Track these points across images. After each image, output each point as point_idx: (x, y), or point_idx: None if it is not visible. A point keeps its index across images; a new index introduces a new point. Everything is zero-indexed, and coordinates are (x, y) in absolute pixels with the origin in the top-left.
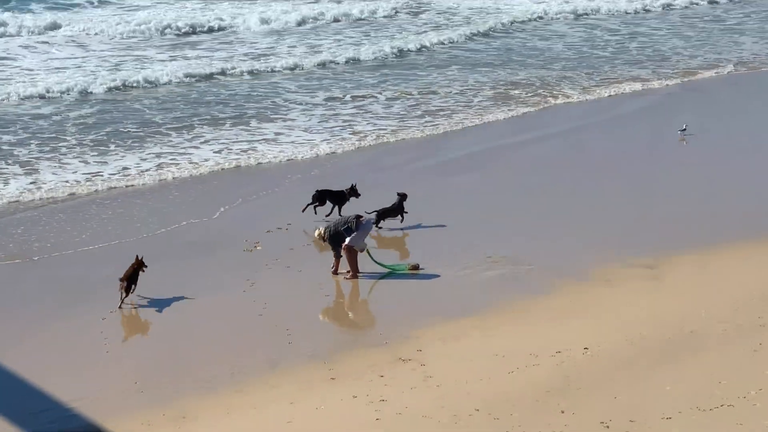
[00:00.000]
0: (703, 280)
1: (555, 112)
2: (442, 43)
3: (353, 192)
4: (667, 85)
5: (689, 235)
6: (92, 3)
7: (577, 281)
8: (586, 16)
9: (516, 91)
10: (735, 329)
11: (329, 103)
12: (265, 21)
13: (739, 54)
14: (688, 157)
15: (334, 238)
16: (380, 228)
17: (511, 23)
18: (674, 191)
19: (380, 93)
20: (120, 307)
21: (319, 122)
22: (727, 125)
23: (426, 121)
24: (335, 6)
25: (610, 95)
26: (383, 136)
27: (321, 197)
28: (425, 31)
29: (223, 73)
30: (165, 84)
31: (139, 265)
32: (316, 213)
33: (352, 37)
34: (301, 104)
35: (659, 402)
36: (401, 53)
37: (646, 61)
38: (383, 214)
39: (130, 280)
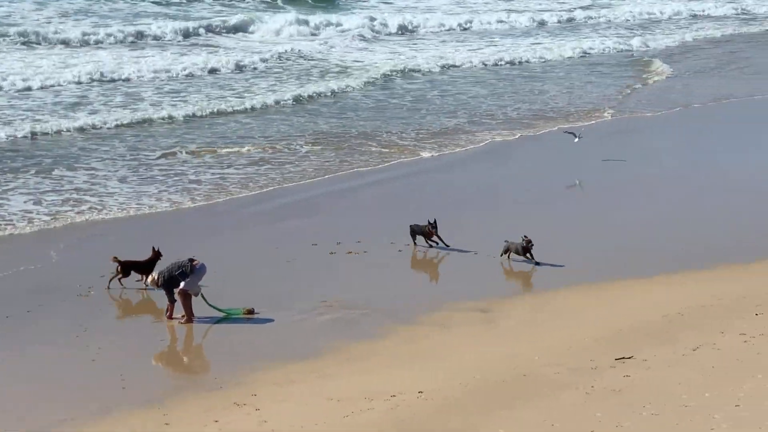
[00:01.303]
0: (536, 323)
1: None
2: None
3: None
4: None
5: (522, 279)
6: None
7: (412, 325)
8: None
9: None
10: (568, 372)
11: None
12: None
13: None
14: (525, 202)
15: (168, 282)
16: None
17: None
18: (506, 236)
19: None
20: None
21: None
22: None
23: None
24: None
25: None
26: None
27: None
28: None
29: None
30: None
31: (156, 256)
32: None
33: None
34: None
35: None
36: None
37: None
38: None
39: (134, 266)
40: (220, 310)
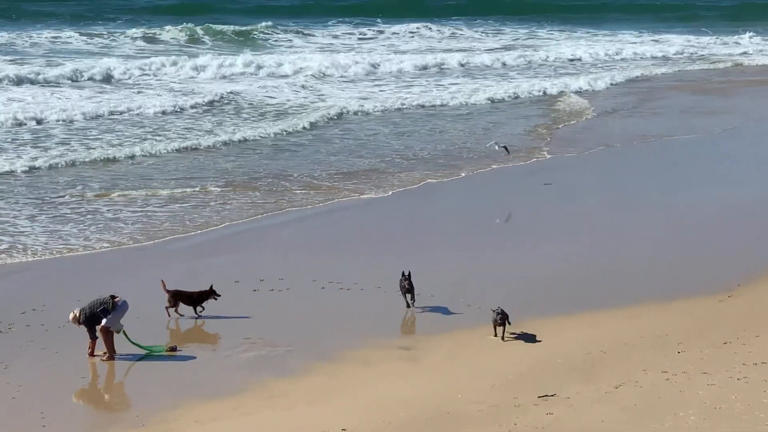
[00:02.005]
0: (458, 360)
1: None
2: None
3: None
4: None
5: (443, 316)
6: None
7: (336, 362)
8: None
9: (286, 183)
10: (491, 409)
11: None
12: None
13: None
14: (448, 239)
15: (90, 319)
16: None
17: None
18: (428, 276)
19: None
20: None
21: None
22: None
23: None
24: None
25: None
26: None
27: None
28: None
29: None
30: None
31: (210, 293)
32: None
33: None
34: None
35: None
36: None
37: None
38: None
39: (186, 297)
40: (142, 347)
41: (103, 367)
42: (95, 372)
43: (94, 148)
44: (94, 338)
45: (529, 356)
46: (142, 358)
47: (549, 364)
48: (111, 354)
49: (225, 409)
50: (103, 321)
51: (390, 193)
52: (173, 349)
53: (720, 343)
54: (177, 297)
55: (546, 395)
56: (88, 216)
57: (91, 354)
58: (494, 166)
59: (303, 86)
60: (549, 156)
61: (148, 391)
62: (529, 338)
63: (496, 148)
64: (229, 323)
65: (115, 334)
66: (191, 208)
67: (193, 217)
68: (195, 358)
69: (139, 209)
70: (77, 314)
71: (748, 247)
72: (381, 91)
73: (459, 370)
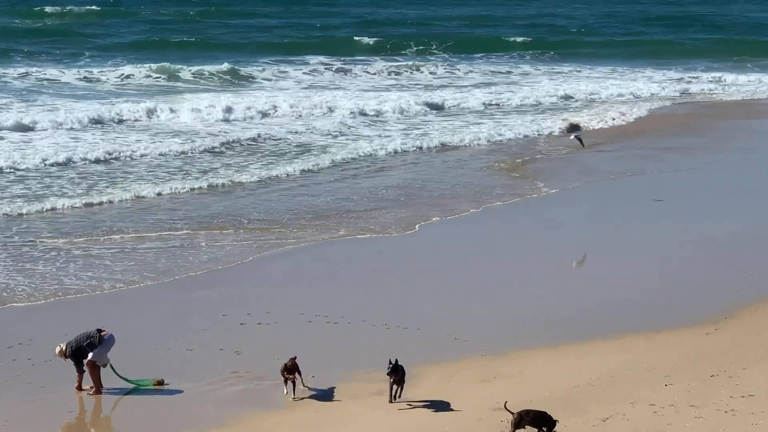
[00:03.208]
0: (446, 394)
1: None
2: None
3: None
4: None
5: (429, 349)
6: None
7: (322, 397)
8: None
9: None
10: None
11: None
12: None
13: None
14: (431, 273)
15: (77, 353)
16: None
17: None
18: (415, 309)
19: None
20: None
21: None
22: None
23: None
24: None
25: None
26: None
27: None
28: None
29: None
30: None
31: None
32: None
33: None
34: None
35: None
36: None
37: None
38: None
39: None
40: (129, 381)
41: (90, 402)
42: (82, 406)
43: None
44: (81, 372)
45: (516, 389)
46: (129, 392)
47: (536, 397)
48: (98, 388)
49: None
50: (90, 355)
51: (374, 226)
52: (160, 383)
53: (707, 375)
54: None
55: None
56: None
57: (79, 388)
58: (484, 207)
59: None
60: (544, 190)
61: (135, 426)
62: (516, 371)
63: (571, 138)
64: (216, 356)
65: (102, 368)
66: (175, 248)
67: (179, 254)
68: (182, 392)
69: (129, 250)
70: (63, 348)
71: (734, 279)
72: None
73: (446, 404)
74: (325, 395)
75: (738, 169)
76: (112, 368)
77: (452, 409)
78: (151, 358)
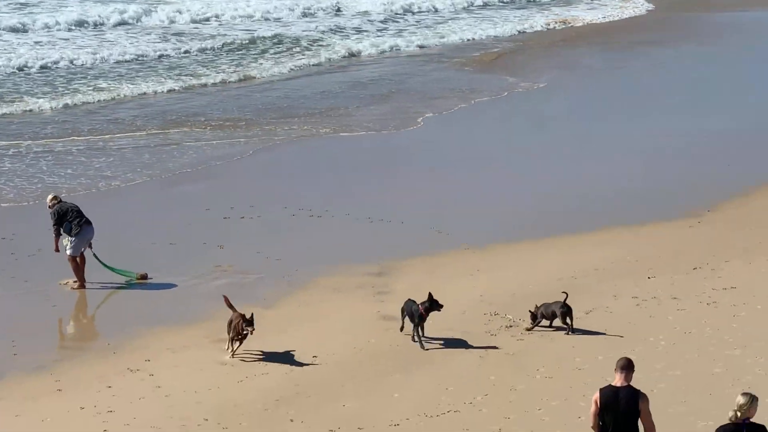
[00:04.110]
0: (429, 287)
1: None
2: None
3: None
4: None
5: (414, 242)
6: None
7: (307, 289)
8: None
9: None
10: (463, 335)
11: None
12: None
13: None
14: (420, 171)
15: (60, 218)
16: None
17: None
18: (399, 203)
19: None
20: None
21: None
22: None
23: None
24: None
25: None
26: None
27: None
28: None
29: None
30: None
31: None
32: None
33: None
34: None
35: (387, 409)
36: None
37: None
38: None
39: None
40: (114, 269)
41: (73, 296)
42: (66, 300)
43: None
44: (57, 236)
45: (499, 283)
46: (114, 290)
47: (519, 290)
48: (81, 282)
49: (197, 336)
50: (68, 250)
51: (355, 120)
52: (144, 277)
53: (690, 268)
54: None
55: (516, 321)
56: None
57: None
58: (475, 101)
59: None
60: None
61: (119, 320)
62: (499, 265)
63: None
64: (199, 251)
65: (87, 249)
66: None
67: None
68: (167, 286)
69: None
70: (55, 201)
71: (717, 173)
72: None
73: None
74: (309, 289)
75: (726, 64)
76: (96, 257)
77: None
78: (134, 253)
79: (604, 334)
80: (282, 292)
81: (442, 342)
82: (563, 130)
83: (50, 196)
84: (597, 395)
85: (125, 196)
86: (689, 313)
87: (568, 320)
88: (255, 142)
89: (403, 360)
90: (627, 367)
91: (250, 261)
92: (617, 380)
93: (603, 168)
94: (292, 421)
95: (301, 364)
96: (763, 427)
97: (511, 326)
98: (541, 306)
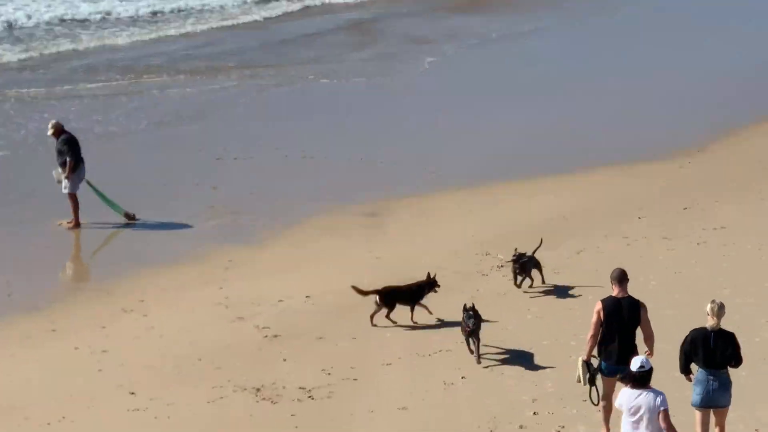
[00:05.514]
0: (422, 227)
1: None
2: None
3: None
4: None
5: (407, 183)
6: None
7: (299, 230)
8: None
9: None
10: (454, 275)
11: None
12: None
13: None
14: (408, 106)
15: (63, 149)
16: None
17: None
18: (393, 145)
19: None
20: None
21: None
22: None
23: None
24: None
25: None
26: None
27: None
28: None
29: None
30: None
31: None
32: None
33: None
34: None
35: (380, 349)
36: None
37: None
38: None
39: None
40: (106, 199)
41: (68, 238)
42: (60, 241)
43: None
44: (62, 164)
45: (490, 223)
46: (109, 230)
47: (510, 230)
48: (76, 222)
49: (189, 277)
50: (67, 189)
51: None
52: (130, 216)
53: (680, 208)
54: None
55: (508, 261)
56: None
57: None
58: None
59: None
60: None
61: (113, 261)
62: (490, 205)
63: None
64: (192, 191)
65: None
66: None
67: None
68: (160, 227)
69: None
70: (56, 129)
71: (707, 113)
72: None
73: (422, 237)
74: (302, 230)
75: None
76: (89, 183)
77: (428, 243)
78: (127, 193)
79: (595, 272)
80: (275, 232)
81: None
82: (557, 69)
83: (53, 122)
84: (599, 306)
85: (114, 138)
86: (679, 253)
87: (540, 274)
88: (247, 86)
89: None
90: (623, 278)
91: (243, 201)
92: (616, 292)
93: (594, 108)
94: (285, 360)
95: (294, 305)
96: (732, 334)
97: (502, 266)
98: (516, 258)
